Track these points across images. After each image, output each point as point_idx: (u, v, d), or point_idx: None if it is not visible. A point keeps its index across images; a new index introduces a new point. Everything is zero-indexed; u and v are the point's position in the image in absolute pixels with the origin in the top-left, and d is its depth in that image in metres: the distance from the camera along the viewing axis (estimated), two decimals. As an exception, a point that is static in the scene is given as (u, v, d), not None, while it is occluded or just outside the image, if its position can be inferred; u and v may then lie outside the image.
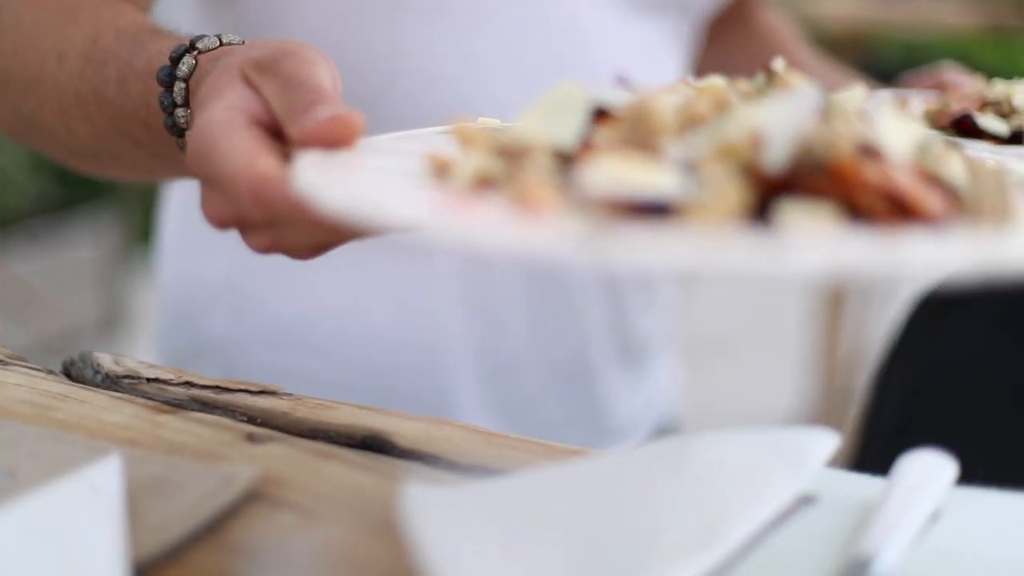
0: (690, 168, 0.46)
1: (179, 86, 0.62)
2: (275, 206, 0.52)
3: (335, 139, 0.52)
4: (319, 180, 0.48)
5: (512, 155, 0.49)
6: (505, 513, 0.50)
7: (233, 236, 0.58)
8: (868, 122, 0.48)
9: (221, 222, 0.56)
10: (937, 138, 0.50)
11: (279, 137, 0.55)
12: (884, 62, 3.20)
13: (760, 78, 0.59)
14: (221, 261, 0.99)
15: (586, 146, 0.49)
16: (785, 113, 0.46)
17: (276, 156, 0.53)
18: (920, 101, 0.97)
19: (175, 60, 0.63)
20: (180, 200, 1.04)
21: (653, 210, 0.44)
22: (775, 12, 1.16)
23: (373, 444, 0.61)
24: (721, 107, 0.50)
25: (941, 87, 0.99)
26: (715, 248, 0.41)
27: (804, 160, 0.45)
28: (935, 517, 0.55)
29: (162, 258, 1.06)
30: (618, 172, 0.45)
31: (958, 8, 3.25)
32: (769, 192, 0.45)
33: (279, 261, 0.94)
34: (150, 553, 0.49)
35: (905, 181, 0.45)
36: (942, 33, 3.46)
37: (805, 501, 0.56)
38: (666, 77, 0.94)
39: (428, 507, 0.49)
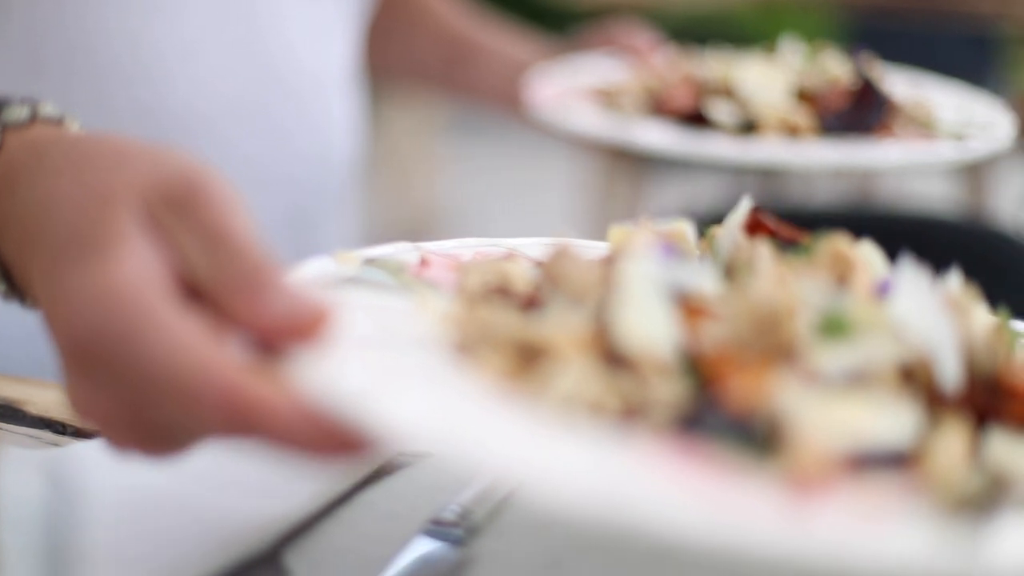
0: (863, 392, 0.39)
1: None
2: (255, 425, 0.39)
3: (302, 333, 0.41)
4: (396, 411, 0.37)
5: (617, 364, 0.40)
6: (103, 475, 0.52)
7: None
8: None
9: (95, 418, 0.43)
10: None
11: (196, 298, 0.42)
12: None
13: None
14: None
15: (703, 358, 0.40)
16: (938, 321, 0.41)
17: (222, 341, 0.41)
18: (620, 68, 0.99)
19: None
20: None
21: (883, 462, 0.37)
22: None
23: (5, 412, 0.62)
24: (788, 288, 0.42)
25: (631, 51, 1.01)
26: None
27: (975, 377, 0.41)
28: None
29: None
30: (838, 417, 0.37)
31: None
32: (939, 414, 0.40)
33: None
34: None
35: None
36: (716, 6, 3.56)
37: (412, 457, 0.59)
38: (344, 53, 0.95)
39: (22, 470, 0.50)
